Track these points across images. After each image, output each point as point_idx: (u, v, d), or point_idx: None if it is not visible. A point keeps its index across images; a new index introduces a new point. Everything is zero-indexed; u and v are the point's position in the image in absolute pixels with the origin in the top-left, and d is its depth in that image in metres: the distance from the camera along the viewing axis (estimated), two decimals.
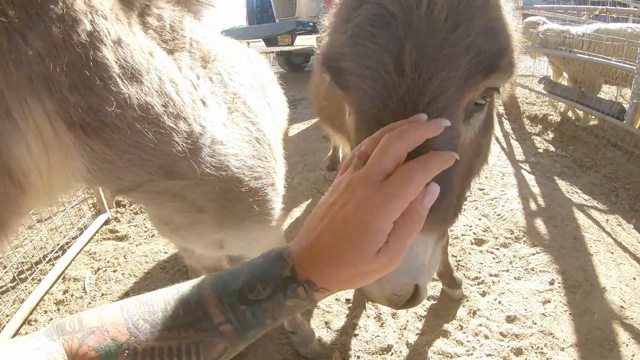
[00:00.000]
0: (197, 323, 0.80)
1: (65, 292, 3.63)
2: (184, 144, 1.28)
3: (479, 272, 3.74)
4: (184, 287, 0.85)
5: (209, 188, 1.50)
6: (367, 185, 0.78)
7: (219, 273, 0.87)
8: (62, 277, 3.77)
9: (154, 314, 0.81)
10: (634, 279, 3.70)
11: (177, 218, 1.67)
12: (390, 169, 0.79)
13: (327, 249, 0.78)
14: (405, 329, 3.13)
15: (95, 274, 3.80)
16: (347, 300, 3.41)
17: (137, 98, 1.14)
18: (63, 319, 0.84)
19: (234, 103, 1.63)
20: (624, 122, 6.01)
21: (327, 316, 3.27)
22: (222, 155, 1.48)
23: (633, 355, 2.96)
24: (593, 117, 7.07)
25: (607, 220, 4.52)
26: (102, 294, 3.54)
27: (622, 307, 3.35)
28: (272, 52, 11.36)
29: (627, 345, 3.04)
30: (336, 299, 3.43)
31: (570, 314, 3.28)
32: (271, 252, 0.86)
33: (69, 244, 4.09)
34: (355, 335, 3.08)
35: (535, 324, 3.18)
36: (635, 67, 5.86)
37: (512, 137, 6.99)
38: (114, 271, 3.80)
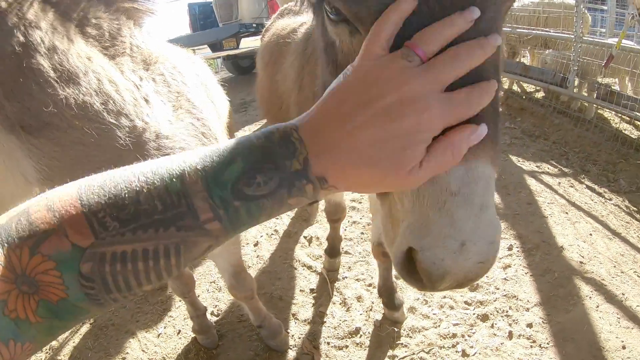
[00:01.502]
0: (179, 219, 0.63)
1: None
2: (127, 139, 1.31)
3: None
4: (162, 168, 0.66)
5: None
6: (430, 86, 0.64)
7: (204, 150, 0.68)
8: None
9: (124, 209, 0.62)
10: (590, 234, 3.75)
11: None
12: (453, 79, 0.66)
13: (359, 148, 0.64)
14: (371, 310, 3.09)
15: None
16: (312, 290, 3.38)
17: (74, 98, 1.19)
18: (8, 216, 0.65)
19: (178, 101, 1.65)
20: (567, 89, 6.13)
21: (293, 308, 3.21)
22: (169, 149, 1.50)
23: (597, 307, 2.99)
24: (539, 88, 7.24)
25: (560, 183, 4.57)
26: None
27: (581, 262, 3.40)
28: (219, 57, 11.20)
29: (590, 297, 3.08)
30: (300, 290, 3.40)
31: (531, 275, 3.30)
32: (274, 130, 0.68)
33: None
34: (323, 322, 3.04)
35: (498, 289, 3.18)
36: (573, 36, 5.99)
37: None
38: None
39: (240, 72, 12.51)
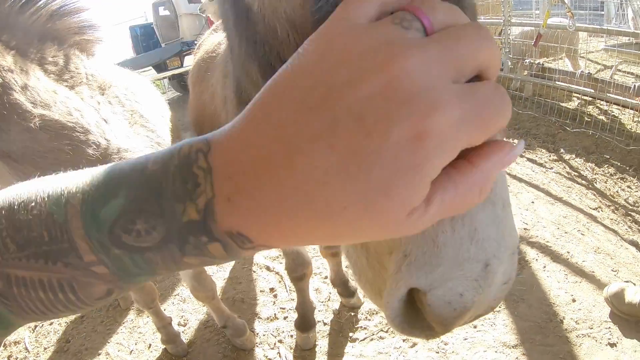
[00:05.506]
0: (64, 256, 0.45)
1: (9, 357, 3.47)
2: (96, 153, 1.48)
3: None
4: (52, 186, 0.47)
5: None
6: (444, 70, 0.33)
7: (91, 172, 0.46)
8: (2, 345, 3.61)
9: (20, 231, 0.46)
10: (532, 202, 3.84)
11: None
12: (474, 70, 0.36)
13: (307, 182, 0.33)
14: (329, 300, 3.14)
15: (34, 331, 3.65)
16: (272, 289, 3.40)
17: (49, 122, 1.39)
18: None
19: (133, 117, 1.79)
20: (503, 71, 6.26)
21: (256, 308, 3.24)
22: None
23: (544, 267, 3.08)
24: None
25: None
26: (45, 348, 3.40)
27: (525, 229, 3.47)
28: (165, 77, 10.86)
29: (536, 259, 3.16)
30: (261, 291, 3.41)
31: None
32: (181, 148, 0.40)
33: None
34: (285, 318, 3.07)
35: None
36: (502, 21, 6.13)
37: None
38: (50, 324, 3.65)
39: (186, 90, 12.19)
